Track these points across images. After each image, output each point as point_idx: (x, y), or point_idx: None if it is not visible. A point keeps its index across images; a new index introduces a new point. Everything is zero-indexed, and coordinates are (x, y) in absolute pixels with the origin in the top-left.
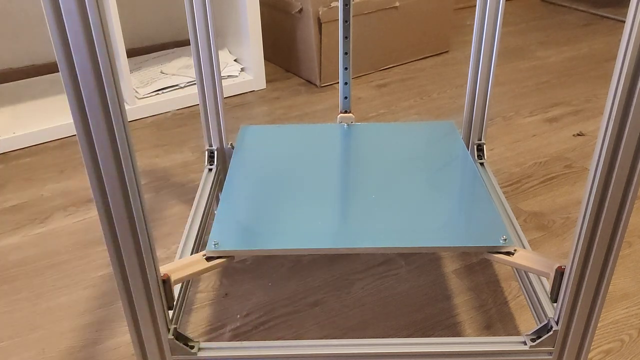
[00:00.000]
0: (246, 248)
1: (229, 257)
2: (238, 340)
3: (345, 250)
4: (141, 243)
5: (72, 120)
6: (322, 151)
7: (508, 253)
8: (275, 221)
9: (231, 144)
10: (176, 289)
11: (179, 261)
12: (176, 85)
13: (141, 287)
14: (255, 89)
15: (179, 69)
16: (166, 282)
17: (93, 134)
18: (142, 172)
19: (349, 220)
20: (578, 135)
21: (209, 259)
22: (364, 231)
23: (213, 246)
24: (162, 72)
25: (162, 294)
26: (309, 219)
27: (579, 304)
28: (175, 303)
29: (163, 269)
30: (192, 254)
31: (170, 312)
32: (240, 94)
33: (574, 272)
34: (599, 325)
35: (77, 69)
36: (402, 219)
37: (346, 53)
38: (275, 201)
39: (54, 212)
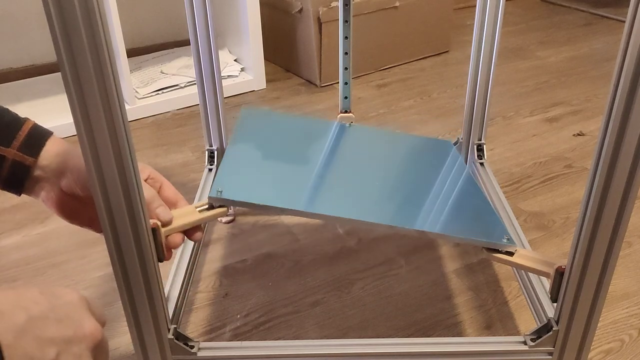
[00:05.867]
0: (249, 200)
1: (224, 207)
2: (238, 340)
3: (347, 221)
4: (142, 243)
5: (72, 120)
6: (324, 138)
7: (508, 253)
8: (278, 186)
9: None
10: (176, 289)
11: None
12: (176, 85)
13: (141, 287)
14: (255, 89)
15: (179, 69)
16: (155, 231)
17: (93, 134)
18: None
19: (352, 196)
20: (578, 135)
21: (207, 209)
22: (368, 207)
23: (217, 193)
24: (162, 72)
25: (151, 244)
26: (311, 188)
27: (579, 304)
28: (175, 303)
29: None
30: (192, 253)
31: (170, 312)
32: (240, 94)
33: (574, 272)
34: (599, 325)
35: (77, 69)
36: (404, 206)
37: (346, 53)
38: (277, 172)
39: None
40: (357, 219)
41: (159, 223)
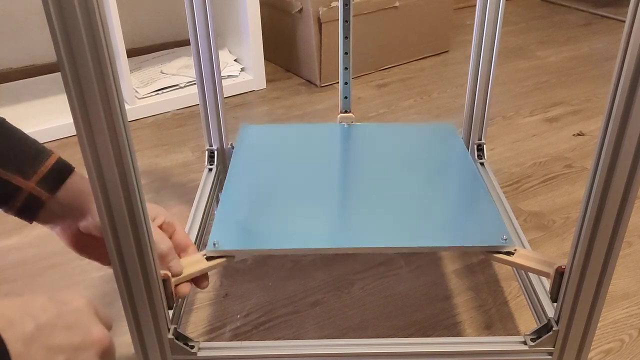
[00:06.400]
0: (246, 247)
1: (229, 256)
2: (238, 340)
3: (345, 250)
4: (142, 243)
5: (72, 120)
6: (322, 151)
7: (508, 253)
8: (275, 221)
9: (231, 144)
10: None
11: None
12: (176, 85)
13: (141, 288)
14: (256, 89)
15: (179, 69)
16: (166, 282)
17: (93, 134)
18: (142, 172)
19: (348, 220)
20: (578, 135)
21: (209, 258)
22: (364, 231)
23: (213, 246)
24: (162, 72)
25: (162, 293)
26: (309, 218)
27: (579, 304)
28: (175, 303)
29: (163, 270)
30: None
31: (171, 312)
32: (240, 93)
33: (574, 272)
34: (599, 325)
35: (77, 69)
36: (402, 219)
37: (346, 53)
38: (275, 201)
39: None
40: (355, 247)
41: (169, 274)
